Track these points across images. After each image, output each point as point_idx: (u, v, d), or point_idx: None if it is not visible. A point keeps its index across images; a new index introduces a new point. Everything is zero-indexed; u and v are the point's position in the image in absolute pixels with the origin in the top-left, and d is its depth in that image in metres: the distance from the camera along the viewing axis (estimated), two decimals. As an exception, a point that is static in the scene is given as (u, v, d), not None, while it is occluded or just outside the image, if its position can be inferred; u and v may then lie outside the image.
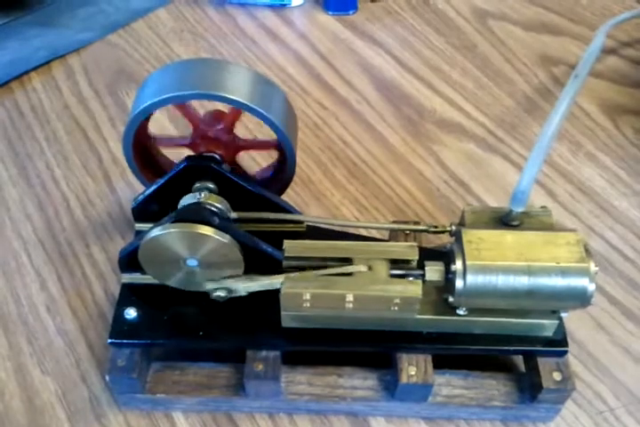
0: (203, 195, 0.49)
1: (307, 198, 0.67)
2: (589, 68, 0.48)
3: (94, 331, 0.58)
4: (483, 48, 0.83)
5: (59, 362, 0.56)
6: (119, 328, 0.50)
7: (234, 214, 0.51)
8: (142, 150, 0.56)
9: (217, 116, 0.54)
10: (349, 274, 0.47)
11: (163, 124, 0.73)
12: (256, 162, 0.69)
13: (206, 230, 0.47)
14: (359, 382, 0.52)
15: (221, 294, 0.49)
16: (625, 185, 0.69)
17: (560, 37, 0.84)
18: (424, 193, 0.68)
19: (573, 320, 0.57)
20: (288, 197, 0.61)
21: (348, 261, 0.48)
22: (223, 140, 0.54)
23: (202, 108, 0.54)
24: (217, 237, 0.47)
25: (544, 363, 0.49)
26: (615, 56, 0.81)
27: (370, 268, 0.47)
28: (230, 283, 0.49)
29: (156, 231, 0.47)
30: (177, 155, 0.60)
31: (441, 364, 0.51)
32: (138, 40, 0.84)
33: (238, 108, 0.51)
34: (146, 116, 0.51)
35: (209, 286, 0.49)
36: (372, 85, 0.79)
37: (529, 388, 0.51)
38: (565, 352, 0.49)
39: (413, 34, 0.85)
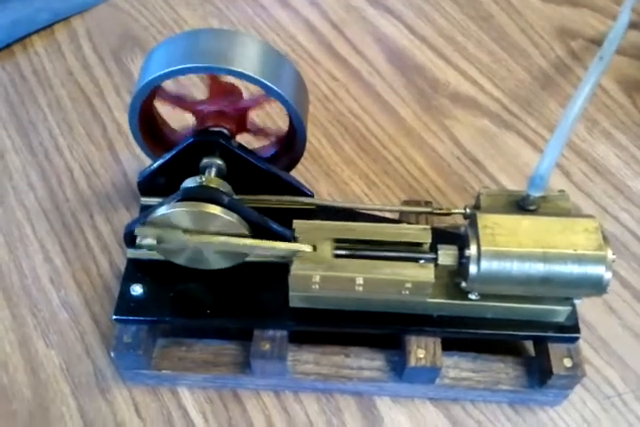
0: (204, 178, 0.48)
1: (316, 174, 0.66)
2: (614, 49, 0.46)
3: (99, 304, 0.58)
4: (499, 19, 0.80)
5: (63, 335, 0.56)
6: (125, 305, 0.50)
7: (235, 197, 0.49)
8: (148, 123, 0.55)
9: (218, 89, 0.52)
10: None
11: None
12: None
13: (214, 209, 0.46)
14: (366, 363, 0.52)
15: (150, 241, 0.46)
16: (640, 165, 0.68)
17: (579, 9, 0.81)
18: (436, 170, 0.66)
19: (585, 304, 0.55)
20: (297, 171, 0.59)
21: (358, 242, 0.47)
22: (228, 112, 0.52)
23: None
24: (225, 216, 0.46)
25: (555, 348, 0.49)
26: (637, 31, 0.78)
27: (314, 248, 0.46)
28: (166, 233, 0.46)
29: (163, 210, 0.46)
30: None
31: (449, 345, 0.51)
32: (143, 4, 0.81)
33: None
34: (152, 88, 0.50)
35: (138, 231, 0.46)
36: (384, 55, 0.77)
37: (538, 373, 0.50)
38: (577, 338, 0.49)
39: (428, 2, 0.82)
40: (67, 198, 0.64)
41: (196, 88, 0.72)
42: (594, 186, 0.66)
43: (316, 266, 0.46)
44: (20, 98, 0.72)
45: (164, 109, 0.56)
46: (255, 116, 0.63)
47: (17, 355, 0.55)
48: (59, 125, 0.70)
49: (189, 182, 0.49)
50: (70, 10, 0.80)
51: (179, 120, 0.57)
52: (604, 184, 0.66)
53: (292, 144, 0.55)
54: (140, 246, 0.47)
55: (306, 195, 0.54)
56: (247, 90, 0.55)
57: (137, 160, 0.67)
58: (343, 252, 0.47)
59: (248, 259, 0.50)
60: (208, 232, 0.47)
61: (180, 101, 0.53)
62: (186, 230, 0.47)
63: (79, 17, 0.80)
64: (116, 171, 0.67)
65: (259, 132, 0.56)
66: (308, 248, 0.46)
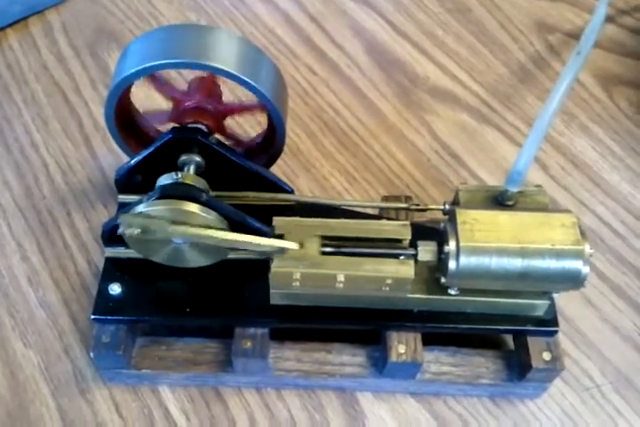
0: (180, 175, 0.47)
1: (295, 169, 0.66)
2: (592, 44, 0.47)
3: (77, 303, 0.57)
4: (478, 13, 0.80)
5: (41, 335, 0.55)
6: (103, 304, 0.49)
7: (212, 194, 0.49)
8: (125, 119, 0.54)
9: (198, 85, 0.52)
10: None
11: (149, 94, 0.70)
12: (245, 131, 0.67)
13: (192, 207, 0.46)
14: (348, 359, 0.52)
15: (135, 231, 0.45)
16: (617, 158, 0.68)
17: (557, 3, 0.81)
18: (415, 164, 0.66)
19: (563, 296, 0.55)
20: (277, 166, 0.59)
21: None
22: (208, 109, 0.52)
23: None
24: (203, 213, 0.46)
25: (534, 342, 0.49)
26: (613, 25, 0.79)
27: (302, 245, 0.46)
28: (152, 223, 0.45)
29: (141, 208, 0.45)
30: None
31: (429, 340, 0.51)
32: (119, -4, 0.80)
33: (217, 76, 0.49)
34: (128, 85, 0.49)
35: (122, 219, 0.45)
36: (364, 49, 0.77)
37: (518, 366, 0.51)
38: (555, 332, 0.49)
39: (406, -5, 0.82)
40: (43, 196, 0.64)
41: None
42: (571, 179, 0.67)
43: (296, 263, 0.45)
44: (-6, 93, 0.71)
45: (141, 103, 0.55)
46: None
47: (-6, 356, 0.54)
48: (34, 121, 0.69)
49: (165, 179, 0.48)
50: (45, 2, 0.79)
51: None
52: (581, 177, 0.67)
53: (271, 140, 0.55)
54: (123, 235, 0.46)
55: (285, 191, 0.54)
56: (225, 84, 0.55)
57: (114, 156, 0.66)
58: (324, 249, 0.46)
59: (228, 256, 0.50)
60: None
61: (166, 89, 0.52)
62: (173, 221, 0.46)
63: (54, 10, 0.79)
64: (93, 167, 0.66)
65: (232, 137, 0.55)
66: (294, 246, 0.46)
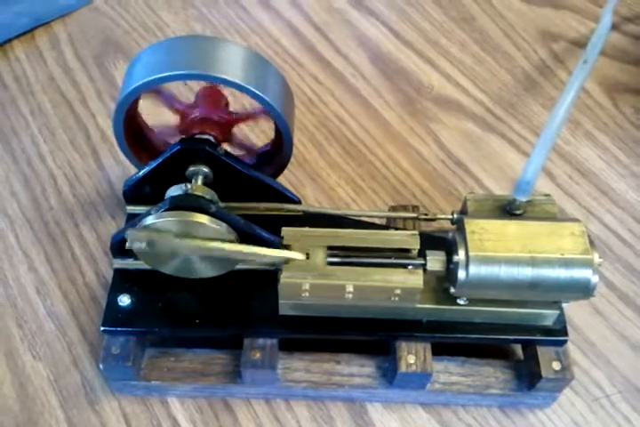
0: (189, 186, 0.47)
1: (302, 178, 0.66)
2: (598, 52, 0.47)
3: (86, 314, 0.57)
4: (482, 21, 0.81)
5: (50, 346, 0.55)
6: (112, 316, 0.49)
7: (221, 205, 0.49)
8: (133, 130, 0.54)
9: (204, 96, 0.52)
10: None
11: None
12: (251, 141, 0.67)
13: (201, 218, 0.46)
14: (357, 370, 0.52)
15: (141, 245, 0.45)
16: (623, 166, 0.68)
17: (561, 11, 0.82)
18: (422, 174, 0.67)
19: (571, 305, 0.55)
20: (283, 176, 0.59)
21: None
22: (215, 119, 0.52)
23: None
24: (212, 225, 0.46)
25: (543, 352, 0.49)
26: (616, 32, 0.79)
27: (308, 256, 0.46)
28: (157, 237, 0.45)
29: (150, 219, 0.45)
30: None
31: (438, 348, 0.51)
32: (125, 7, 0.81)
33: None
34: (136, 96, 0.49)
35: (129, 234, 0.45)
36: (369, 59, 0.77)
37: (527, 376, 0.51)
38: (565, 342, 0.49)
39: (410, 4, 0.82)
40: (51, 207, 0.64)
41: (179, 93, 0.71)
42: (578, 188, 0.67)
43: (305, 274, 0.45)
44: (2, 105, 0.71)
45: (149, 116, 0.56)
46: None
47: (3, 368, 0.54)
48: (41, 132, 0.69)
49: (175, 190, 0.49)
50: (51, 14, 0.79)
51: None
52: (587, 186, 0.67)
53: (278, 150, 0.55)
54: (130, 250, 0.46)
55: (293, 201, 0.54)
56: (232, 95, 0.55)
57: (121, 167, 0.66)
58: (332, 259, 0.46)
59: (236, 267, 0.50)
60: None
61: (171, 102, 0.52)
62: (177, 235, 0.46)
63: (60, 21, 0.79)
64: (101, 178, 0.66)
65: (241, 146, 0.55)
66: (300, 256, 0.46)
